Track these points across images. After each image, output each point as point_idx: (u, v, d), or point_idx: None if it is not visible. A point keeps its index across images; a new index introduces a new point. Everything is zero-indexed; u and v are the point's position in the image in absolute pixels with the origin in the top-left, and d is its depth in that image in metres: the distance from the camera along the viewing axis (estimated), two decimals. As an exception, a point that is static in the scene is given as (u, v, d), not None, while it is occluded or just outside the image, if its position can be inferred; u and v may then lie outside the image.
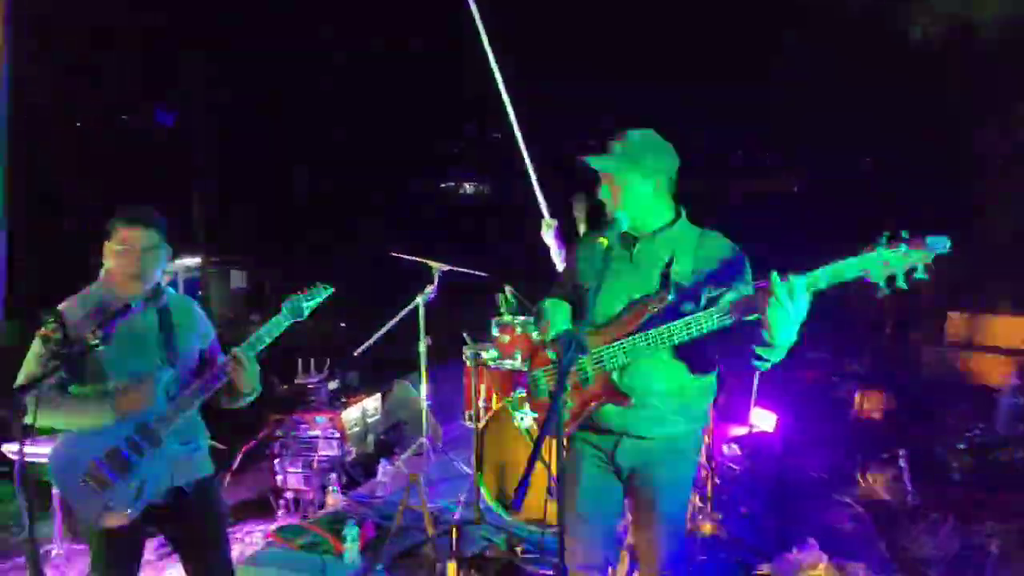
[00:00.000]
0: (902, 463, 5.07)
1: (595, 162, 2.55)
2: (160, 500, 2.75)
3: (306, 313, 2.86)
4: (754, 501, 4.71)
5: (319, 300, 2.92)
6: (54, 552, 4.38)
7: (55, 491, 4.46)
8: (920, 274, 2.01)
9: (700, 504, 4.19)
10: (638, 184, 2.53)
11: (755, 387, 5.58)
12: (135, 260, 2.69)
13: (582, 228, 4.87)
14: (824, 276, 2.11)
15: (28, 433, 2.22)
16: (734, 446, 5.32)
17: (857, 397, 6.97)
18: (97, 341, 2.42)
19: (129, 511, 2.65)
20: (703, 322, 2.33)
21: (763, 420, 5.72)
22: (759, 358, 2.29)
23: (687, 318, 2.36)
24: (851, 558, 3.86)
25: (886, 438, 5.93)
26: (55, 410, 2.63)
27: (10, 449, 4.08)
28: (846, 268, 2.09)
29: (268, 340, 2.79)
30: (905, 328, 9.12)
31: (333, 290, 2.96)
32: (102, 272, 2.79)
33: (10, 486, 5.18)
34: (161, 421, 2.68)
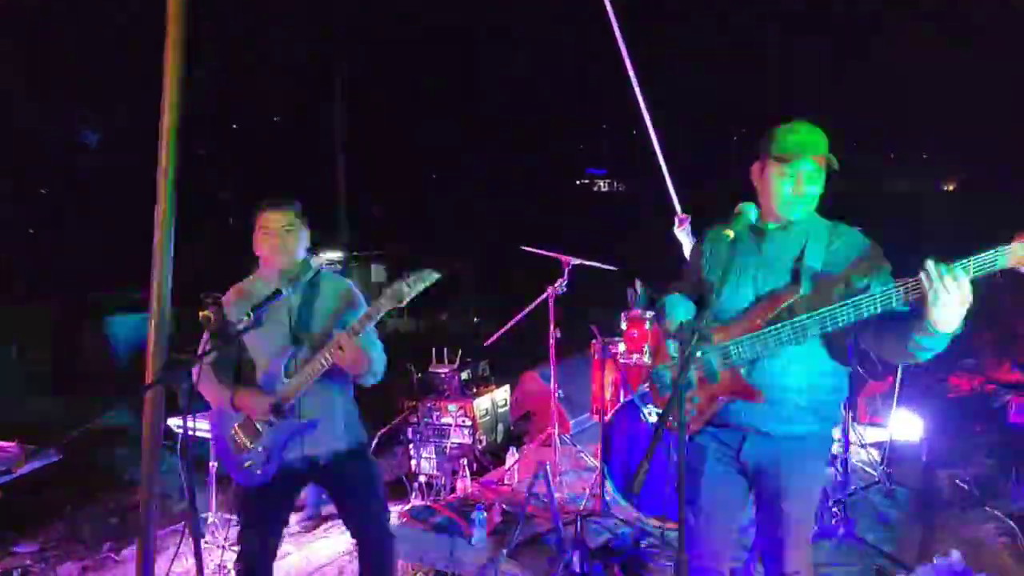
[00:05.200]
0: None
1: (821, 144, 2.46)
2: (297, 466, 3.05)
3: (407, 299, 2.84)
4: (893, 509, 4.51)
5: (423, 286, 2.86)
6: (209, 520, 4.75)
7: (211, 464, 4.84)
8: None
9: (833, 508, 4.06)
10: (819, 173, 2.47)
11: (896, 390, 5.32)
12: (275, 238, 3.01)
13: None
14: (984, 261, 2.05)
15: (190, 410, 2.45)
16: (872, 450, 5.10)
17: (1014, 406, 6.51)
18: (249, 323, 2.66)
19: (259, 472, 3.00)
20: (838, 316, 2.27)
21: (906, 425, 5.45)
22: (920, 347, 2.21)
23: (821, 312, 2.30)
24: (999, 574, 3.64)
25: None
26: (205, 386, 3.01)
27: (174, 423, 4.44)
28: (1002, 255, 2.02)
29: (369, 324, 2.87)
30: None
31: (439, 276, 2.87)
32: (259, 264, 3.12)
33: (174, 459, 5.66)
34: (283, 396, 2.96)
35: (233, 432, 3.04)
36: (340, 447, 3.11)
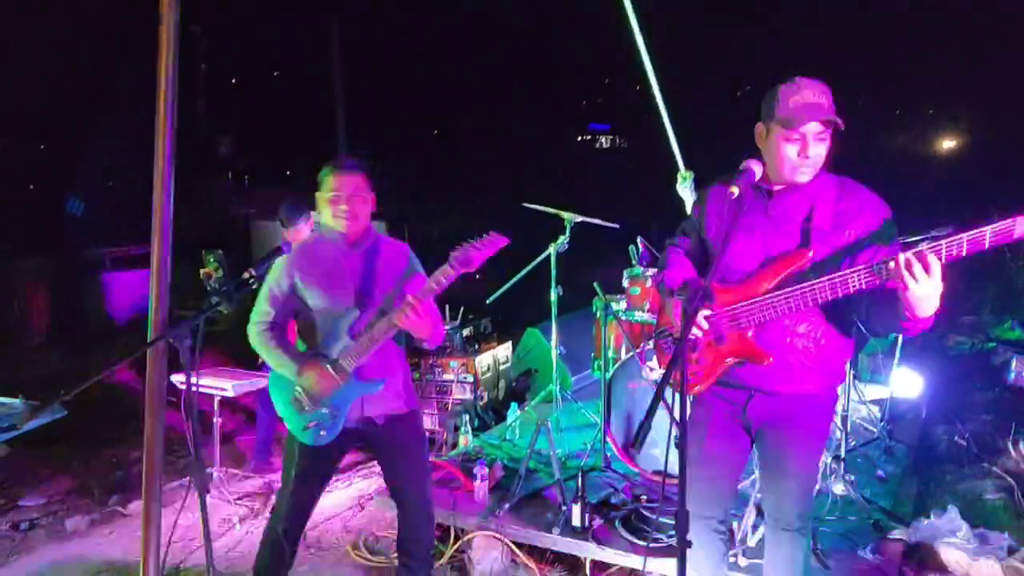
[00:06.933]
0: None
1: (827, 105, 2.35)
2: (353, 426, 3.04)
3: (477, 264, 2.79)
4: (891, 465, 4.54)
5: (492, 251, 2.81)
6: (214, 475, 4.80)
7: (216, 421, 4.88)
8: None
9: (833, 464, 4.09)
10: (826, 134, 2.38)
11: (898, 348, 5.33)
12: (346, 203, 2.92)
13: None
14: (960, 243, 2.02)
15: (194, 366, 2.44)
16: (873, 408, 5.13)
17: (1014, 364, 6.53)
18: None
19: (324, 432, 2.98)
20: (849, 281, 2.23)
21: (906, 382, 5.47)
22: (906, 330, 2.22)
23: (832, 276, 2.26)
24: (996, 529, 3.68)
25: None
26: (266, 350, 3.02)
27: (179, 380, 4.45)
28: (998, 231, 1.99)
29: (439, 288, 2.82)
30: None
31: (508, 241, 2.82)
32: (319, 225, 3.09)
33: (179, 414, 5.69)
34: (346, 357, 2.93)
35: (297, 394, 3.01)
36: (397, 408, 3.12)
